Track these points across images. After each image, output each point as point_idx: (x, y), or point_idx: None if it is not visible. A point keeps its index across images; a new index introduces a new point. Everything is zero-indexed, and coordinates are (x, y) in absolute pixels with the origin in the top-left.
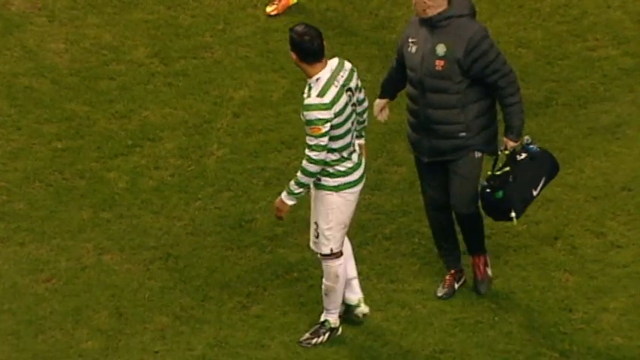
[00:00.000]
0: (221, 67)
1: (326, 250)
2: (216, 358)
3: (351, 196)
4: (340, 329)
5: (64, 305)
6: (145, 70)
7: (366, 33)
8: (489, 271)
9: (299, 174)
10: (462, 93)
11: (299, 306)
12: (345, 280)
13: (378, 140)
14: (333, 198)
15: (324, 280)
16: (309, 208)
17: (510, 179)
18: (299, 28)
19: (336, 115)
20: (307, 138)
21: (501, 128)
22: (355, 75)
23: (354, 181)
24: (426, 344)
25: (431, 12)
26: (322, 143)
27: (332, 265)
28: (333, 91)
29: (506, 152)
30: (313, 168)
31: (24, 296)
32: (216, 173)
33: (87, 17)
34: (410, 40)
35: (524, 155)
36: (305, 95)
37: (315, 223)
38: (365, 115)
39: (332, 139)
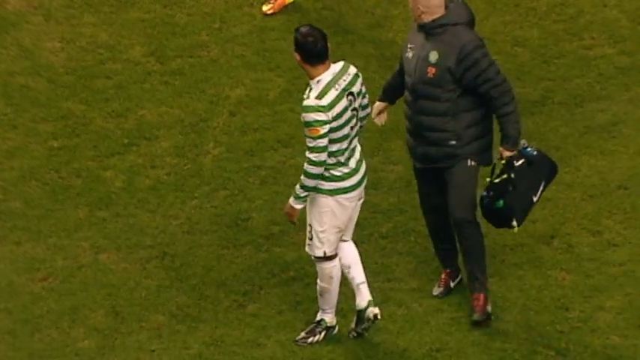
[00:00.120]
0: (217, 66)
1: (319, 253)
2: (213, 357)
3: (347, 201)
4: (337, 328)
5: (61, 304)
6: (141, 69)
7: (363, 32)
8: (489, 309)
9: (302, 177)
10: (454, 101)
11: (295, 305)
12: (339, 280)
13: (374, 139)
14: (327, 201)
15: (318, 281)
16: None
17: (510, 188)
18: (303, 29)
19: (334, 118)
20: (307, 140)
21: (498, 137)
22: (359, 80)
23: (350, 187)
24: (422, 343)
25: (426, 18)
26: (322, 145)
27: (326, 267)
28: (332, 94)
29: (502, 162)
30: (315, 170)
31: (20, 295)
32: (212, 172)
33: (83, 16)
34: (409, 45)
35: (521, 161)
36: (304, 97)
37: (310, 225)
38: (365, 121)
39: (329, 142)
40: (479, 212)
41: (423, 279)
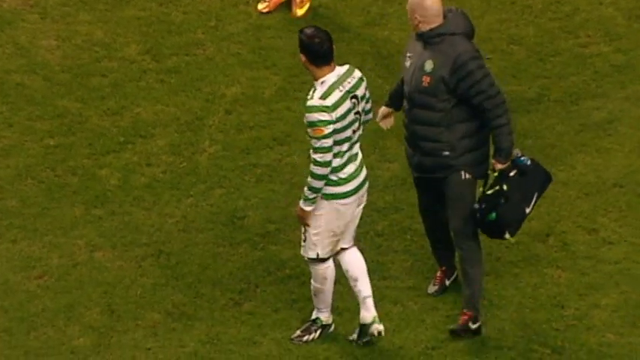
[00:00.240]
0: (213, 64)
1: (312, 255)
2: (208, 355)
3: (343, 207)
4: (333, 326)
5: (56, 302)
6: (137, 67)
7: (358, 30)
8: (472, 327)
9: (309, 179)
10: (448, 112)
11: (291, 303)
12: (333, 281)
13: (370, 137)
14: (322, 204)
15: (312, 282)
16: None
17: (502, 200)
18: (308, 30)
19: (338, 119)
20: (311, 141)
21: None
22: (364, 85)
23: (347, 192)
24: (418, 341)
25: (423, 27)
26: (326, 145)
27: (319, 269)
28: (336, 95)
29: (495, 174)
30: (321, 170)
31: (16, 293)
32: (208, 170)
33: (79, 14)
34: (407, 54)
35: (514, 172)
36: (308, 97)
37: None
38: (366, 125)
39: None
40: None
41: (418, 277)
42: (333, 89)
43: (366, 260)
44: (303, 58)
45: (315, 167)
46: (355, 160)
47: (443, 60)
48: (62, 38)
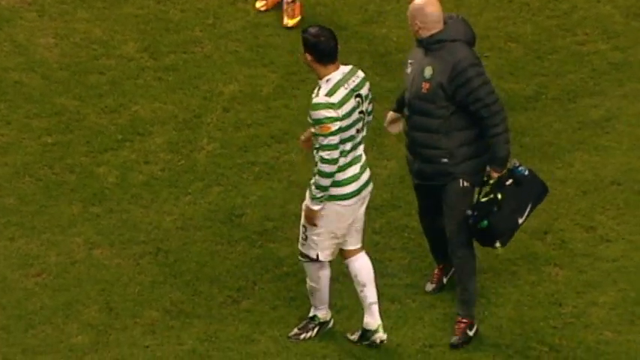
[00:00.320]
0: (211, 62)
1: (312, 254)
2: (207, 353)
3: (344, 208)
4: (331, 323)
5: (54, 300)
6: (135, 65)
7: (356, 27)
8: (470, 333)
9: (317, 177)
10: (446, 119)
11: (289, 300)
12: (328, 280)
13: (367, 135)
14: (324, 205)
15: (307, 280)
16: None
17: (495, 209)
18: (313, 30)
19: (343, 117)
20: (318, 139)
21: None
22: (367, 85)
23: (347, 194)
24: (415, 338)
25: (423, 33)
26: (333, 142)
27: (312, 269)
28: (342, 92)
29: (490, 182)
30: (328, 168)
31: (14, 291)
32: (206, 168)
33: (77, 12)
34: (409, 61)
35: (510, 181)
36: (313, 95)
37: (304, 226)
38: (368, 126)
39: None
40: None
41: (416, 275)
42: (339, 87)
43: None
44: (308, 57)
45: (323, 165)
46: (359, 161)
47: (442, 66)
48: (60, 36)
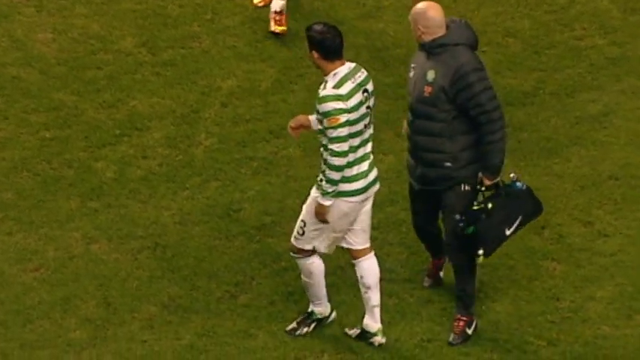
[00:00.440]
0: (209, 57)
1: (308, 247)
2: (204, 348)
3: (347, 205)
4: (332, 316)
5: (52, 295)
6: (133, 60)
7: (354, 22)
8: (469, 331)
9: (327, 171)
10: (449, 123)
11: (287, 295)
12: (322, 274)
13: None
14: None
15: (302, 277)
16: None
17: (483, 216)
18: (318, 27)
19: (351, 109)
20: (327, 132)
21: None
22: (371, 81)
23: (356, 190)
24: (413, 333)
25: (426, 38)
26: (343, 134)
27: (305, 264)
28: (349, 85)
29: (482, 189)
30: (338, 161)
31: (12, 286)
32: (204, 163)
33: (75, 7)
34: (412, 65)
35: (502, 192)
36: (320, 89)
37: (303, 221)
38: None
39: None
40: None
41: (414, 270)
42: (346, 80)
43: None
44: (315, 54)
45: (332, 158)
46: (368, 158)
47: (444, 70)
48: (58, 31)
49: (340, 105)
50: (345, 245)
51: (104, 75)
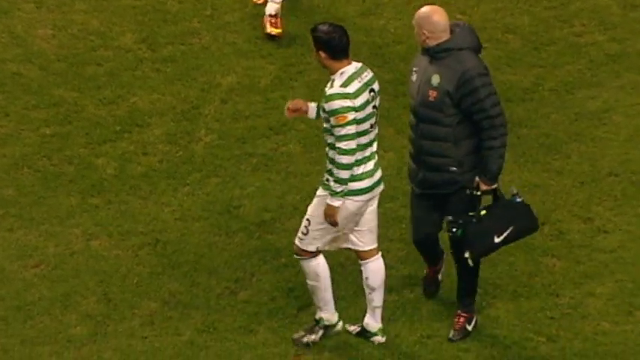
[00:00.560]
0: (209, 53)
1: (311, 248)
2: (205, 344)
3: (354, 205)
4: (339, 325)
5: (53, 291)
6: (133, 56)
7: (354, 19)
8: (469, 327)
9: (335, 171)
10: (454, 127)
11: (287, 291)
12: (328, 278)
13: None
14: None
15: (307, 281)
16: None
17: (473, 220)
18: (324, 27)
19: (358, 108)
20: (335, 130)
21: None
22: (377, 81)
23: (363, 189)
24: (413, 329)
25: (430, 42)
26: (351, 132)
27: (310, 266)
28: (356, 85)
29: (477, 193)
30: (346, 159)
31: (12, 282)
32: (204, 159)
33: (74, 3)
34: (413, 68)
35: (501, 204)
36: (327, 87)
37: (308, 220)
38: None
39: None
40: None
41: (414, 266)
42: (353, 79)
43: None
44: (322, 54)
45: (340, 156)
46: (374, 158)
47: (449, 75)
48: (58, 27)
49: (348, 103)
50: (351, 247)
51: (104, 71)
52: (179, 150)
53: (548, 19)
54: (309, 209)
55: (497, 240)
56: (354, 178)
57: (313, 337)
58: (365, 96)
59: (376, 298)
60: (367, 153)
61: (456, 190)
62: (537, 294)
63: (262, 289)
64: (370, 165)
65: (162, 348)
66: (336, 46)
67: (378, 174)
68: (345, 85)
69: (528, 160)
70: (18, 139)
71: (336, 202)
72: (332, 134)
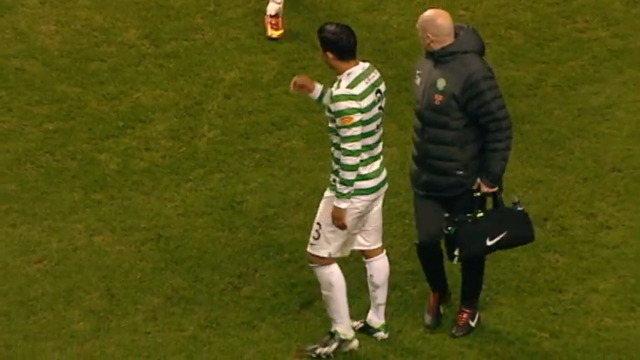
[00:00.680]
0: (212, 49)
1: (324, 253)
2: (207, 339)
3: (361, 204)
4: (355, 343)
5: (56, 286)
6: (136, 52)
7: (357, 15)
8: (472, 324)
9: (341, 172)
10: (461, 130)
11: (290, 287)
12: (343, 288)
13: None
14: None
15: (322, 291)
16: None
17: (469, 220)
18: (331, 28)
19: (364, 109)
20: (340, 131)
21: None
22: (383, 82)
23: (368, 189)
24: (416, 325)
25: (435, 46)
26: (356, 133)
27: (324, 274)
28: (363, 86)
29: (477, 195)
30: (352, 160)
31: (15, 277)
32: (207, 155)
33: None
34: (417, 72)
35: (499, 211)
36: (334, 88)
37: (318, 224)
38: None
39: None
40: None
41: (417, 262)
42: (360, 80)
43: None
44: (329, 55)
45: (346, 157)
46: (379, 158)
47: (455, 78)
48: (61, 23)
49: (354, 104)
50: (357, 247)
51: (107, 67)
52: (182, 146)
53: (551, 15)
54: (318, 213)
55: (489, 243)
56: (361, 178)
57: (326, 349)
58: (371, 97)
59: (380, 296)
60: (374, 153)
61: (462, 193)
62: (540, 290)
63: (265, 285)
64: (376, 165)
65: (165, 343)
66: (343, 47)
67: (384, 174)
68: (351, 86)
69: (531, 155)
70: (21, 134)
71: (343, 205)
72: (337, 134)
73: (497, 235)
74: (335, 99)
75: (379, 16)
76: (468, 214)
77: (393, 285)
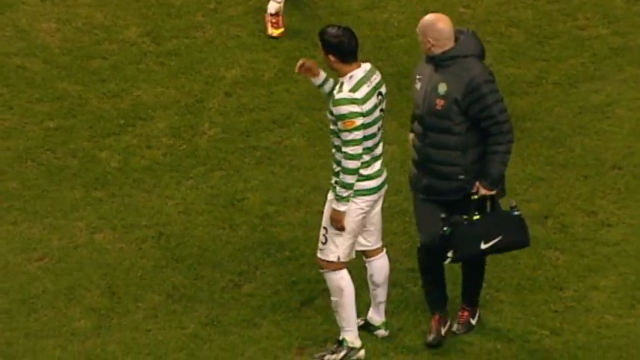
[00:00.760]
0: (213, 47)
1: (333, 257)
2: (208, 337)
3: (364, 204)
4: (362, 352)
5: (57, 284)
6: (137, 50)
7: (358, 13)
8: (473, 322)
9: (341, 175)
10: (463, 135)
11: (290, 285)
12: (353, 295)
13: None
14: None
15: (331, 297)
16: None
17: (464, 222)
18: (332, 30)
19: (367, 113)
20: (342, 135)
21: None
22: (384, 84)
23: (371, 189)
24: (416, 322)
25: (435, 50)
26: (358, 137)
27: (333, 279)
28: (365, 89)
29: (475, 197)
30: (353, 164)
31: (16, 275)
32: (207, 152)
33: None
34: (417, 76)
35: (496, 214)
36: (336, 91)
37: (325, 228)
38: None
39: None
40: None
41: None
42: (362, 83)
43: None
44: (331, 58)
45: (347, 161)
46: (380, 159)
47: (456, 83)
48: (62, 21)
49: (356, 108)
50: (358, 247)
51: (108, 65)
52: (183, 143)
53: (551, 13)
54: (324, 217)
55: (483, 246)
56: (364, 178)
57: (334, 357)
58: (373, 100)
59: (380, 294)
60: (375, 154)
61: (463, 197)
62: (541, 287)
63: (266, 283)
64: (377, 165)
65: (166, 341)
66: (345, 50)
67: (384, 175)
68: (353, 90)
69: (532, 153)
70: (22, 132)
71: (342, 207)
72: (339, 137)
73: (493, 239)
74: (336, 102)
75: (380, 14)
76: (464, 216)
77: (393, 282)
